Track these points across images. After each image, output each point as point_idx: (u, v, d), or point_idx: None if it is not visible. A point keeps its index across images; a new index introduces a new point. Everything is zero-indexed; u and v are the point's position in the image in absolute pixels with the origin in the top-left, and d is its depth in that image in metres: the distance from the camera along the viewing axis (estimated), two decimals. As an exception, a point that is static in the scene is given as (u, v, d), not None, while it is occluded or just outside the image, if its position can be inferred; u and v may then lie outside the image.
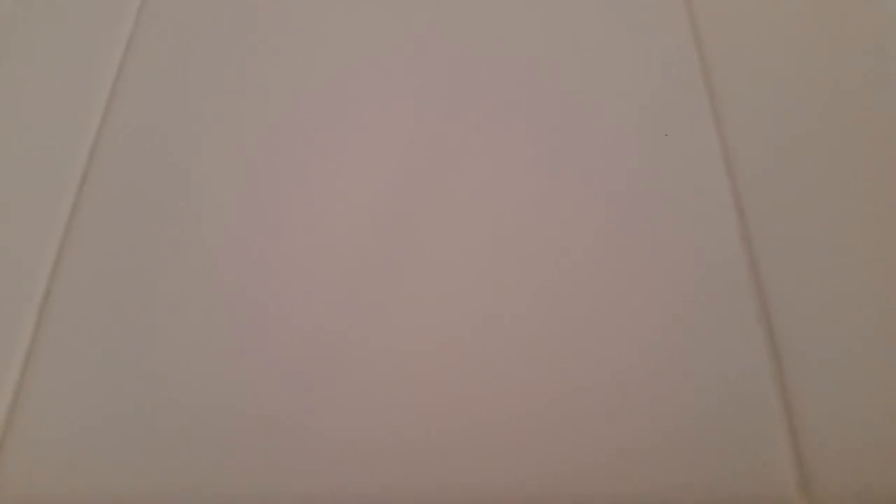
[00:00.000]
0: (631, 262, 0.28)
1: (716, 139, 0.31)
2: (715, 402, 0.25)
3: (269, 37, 0.35)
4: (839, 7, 0.35)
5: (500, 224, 0.29)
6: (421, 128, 0.32)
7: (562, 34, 0.34)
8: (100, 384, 0.26)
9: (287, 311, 0.28)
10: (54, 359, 0.27)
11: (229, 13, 0.36)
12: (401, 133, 0.32)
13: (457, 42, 0.34)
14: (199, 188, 0.30)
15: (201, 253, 0.29)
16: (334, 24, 0.35)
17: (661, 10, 0.35)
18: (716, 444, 0.25)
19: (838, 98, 0.32)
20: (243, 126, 0.32)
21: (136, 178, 0.31)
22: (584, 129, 0.31)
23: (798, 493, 0.24)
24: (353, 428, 0.25)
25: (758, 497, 0.24)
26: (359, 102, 0.33)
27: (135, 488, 0.25)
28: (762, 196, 0.29)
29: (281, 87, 0.33)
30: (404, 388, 0.26)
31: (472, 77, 0.33)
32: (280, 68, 0.34)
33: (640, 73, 0.33)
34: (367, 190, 0.30)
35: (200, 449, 0.25)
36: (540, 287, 0.28)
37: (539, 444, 0.25)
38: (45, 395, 0.26)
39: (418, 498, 0.24)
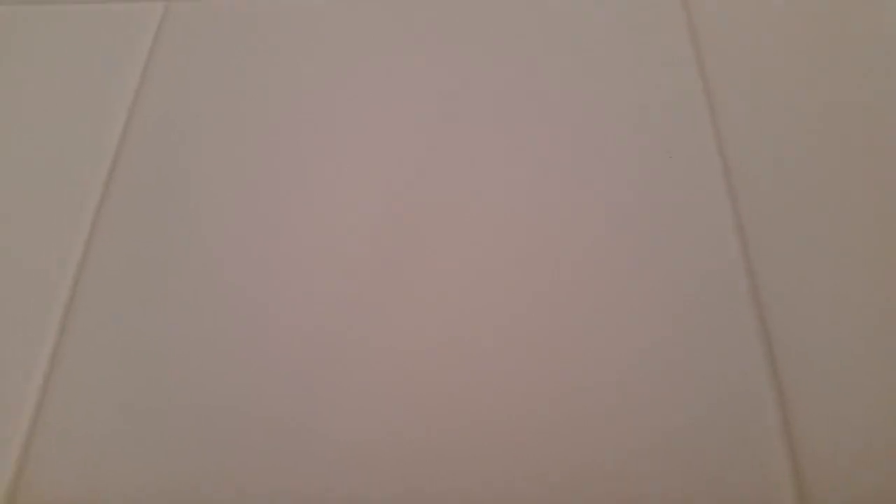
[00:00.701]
0: (631, 268, 0.28)
1: (717, 157, 0.31)
2: (712, 408, 0.25)
3: (281, 51, 0.35)
4: (838, 21, 0.35)
5: (502, 228, 0.29)
6: (421, 133, 0.32)
7: (569, 58, 0.34)
8: (118, 388, 0.27)
9: (292, 313, 0.28)
10: (74, 363, 0.27)
11: (241, 29, 0.36)
12: (401, 138, 0.32)
13: (462, 52, 0.35)
14: (213, 197, 0.31)
15: (212, 259, 0.29)
16: (338, 28, 0.35)
17: (662, 27, 0.35)
18: (712, 449, 0.25)
19: (837, 113, 0.32)
20: (249, 132, 0.32)
21: (156, 186, 0.31)
22: (587, 139, 0.32)
23: (794, 499, 0.24)
24: (355, 428, 0.26)
25: (754, 502, 0.24)
26: (359, 106, 0.33)
27: (145, 487, 0.25)
28: (760, 203, 0.29)
29: (284, 90, 0.34)
30: (406, 388, 0.26)
31: (475, 85, 0.33)
32: (284, 71, 0.34)
33: (644, 95, 0.33)
34: (370, 193, 0.30)
35: (207, 449, 0.25)
36: (542, 291, 0.28)
37: (537, 445, 0.25)
38: (66, 398, 0.27)
39: (419, 498, 0.24)
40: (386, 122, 0.32)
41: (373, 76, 0.34)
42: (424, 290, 0.28)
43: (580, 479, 0.25)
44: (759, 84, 0.33)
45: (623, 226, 0.29)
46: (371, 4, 0.36)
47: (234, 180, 0.31)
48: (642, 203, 0.30)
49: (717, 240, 0.29)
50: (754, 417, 0.25)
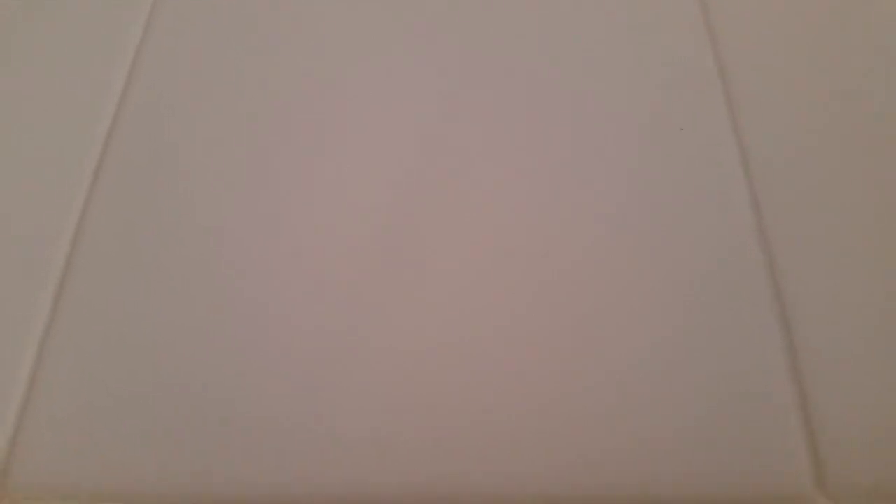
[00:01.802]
0: (646, 258, 0.28)
1: (731, 134, 0.30)
2: (731, 399, 0.25)
3: (276, 40, 0.35)
4: (855, 1, 0.34)
5: (504, 220, 0.29)
6: (422, 130, 0.32)
7: (576, 32, 0.34)
8: (110, 377, 0.27)
9: (289, 307, 0.28)
10: (65, 351, 0.27)
11: (236, 17, 0.36)
12: (405, 131, 0.32)
13: (469, 39, 0.34)
14: (207, 187, 0.31)
15: (207, 251, 0.29)
16: (341, 26, 0.35)
17: (674, 5, 0.34)
18: (732, 440, 0.24)
19: (854, 92, 0.31)
20: (244, 121, 0.32)
21: (149, 174, 0.31)
22: (600, 123, 0.31)
23: (815, 488, 0.23)
24: (352, 426, 0.25)
25: (775, 492, 0.24)
26: (362, 104, 0.33)
27: (136, 477, 0.25)
28: (777, 190, 0.29)
29: (285, 87, 0.33)
30: (406, 387, 0.26)
31: (483, 76, 0.33)
32: (286, 69, 0.34)
33: (655, 69, 0.33)
34: (371, 191, 0.30)
35: (199, 441, 0.25)
36: (549, 284, 0.28)
37: (549, 440, 0.25)
38: (56, 387, 0.27)
39: (418, 496, 0.24)
40: (389, 114, 0.32)
41: (378, 63, 0.34)
42: (424, 287, 0.28)
43: (594, 476, 0.24)
44: (771, 53, 0.33)
45: (640, 221, 0.29)
46: (377, 7, 0.36)
47: (230, 170, 0.31)
48: (658, 196, 0.29)
49: (735, 231, 0.28)
50: (774, 411, 0.25)
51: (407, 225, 0.29)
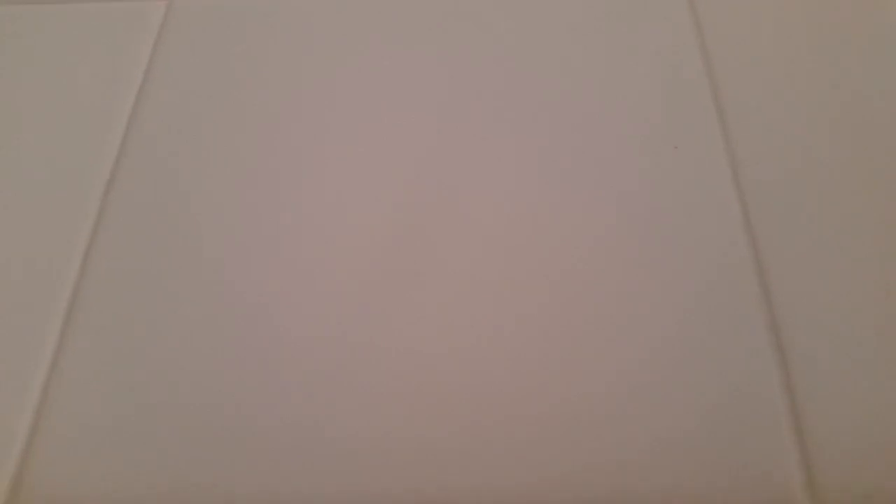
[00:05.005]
0: (640, 269, 0.28)
1: (723, 149, 0.31)
2: (721, 406, 0.25)
3: (283, 43, 0.35)
4: (844, 18, 0.35)
5: (506, 228, 0.29)
6: (424, 135, 0.32)
7: (573, 50, 0.34)
8: (121, 389, 0.27)
9: (294, 315, 0.28)
10: (77, 366, 0.27)
11: (241, 22, 0.36)
12: (404, 139, 0.32)
13: (463, 51, 0.35)
14: (215, 199, 0.31)
15: (215, 261, 0.29)
16: (343, 27, 0.36)
17: (668, 24, 0.35)
18: (722, 446, 0.25)
19: (844, 108, 0.32)
20: (252, 133, 0.32)
21: (158, 188, 0.31)
22: (596, 140, 0.32)
23: (804, 496, 0.24)
24: (356, 430, 0.26)
25: (764, 499, 0.24)
26: (363, 113, 0.33)
27: (149, 487, 0.25)
28: (769, 202, 0.29)
29: (287, 91, 0.34)
30: (408, 390, 0.26)
31: (482, 90, 0.33)
32: (288, 71, 0.34)
33: (650, 87, 0.33)
34: (373, 195, 0.30)
35: (210, 450, 0.25)
36: (547, 291, 0.28)
37: (543, 445, 0.25)
38: (68, 399, 0.27)
39: (420, 499, 0.24)
40: (389, 123, 0.32)
41: (376, 74, 0.34)
42: (426, 292, 0.28)
43: (585, 481, 0.25)
44: (764, 73, 0.33)
45: (629, 222, 0.29)
46: (375, 2, 0.37)
47: (237, 182, 0.31)
48: (652, 209, 0.30)
49: (726, 234, 0.29)
50: (763, 418, 0.25)
51: (409, 228, 0.30)
